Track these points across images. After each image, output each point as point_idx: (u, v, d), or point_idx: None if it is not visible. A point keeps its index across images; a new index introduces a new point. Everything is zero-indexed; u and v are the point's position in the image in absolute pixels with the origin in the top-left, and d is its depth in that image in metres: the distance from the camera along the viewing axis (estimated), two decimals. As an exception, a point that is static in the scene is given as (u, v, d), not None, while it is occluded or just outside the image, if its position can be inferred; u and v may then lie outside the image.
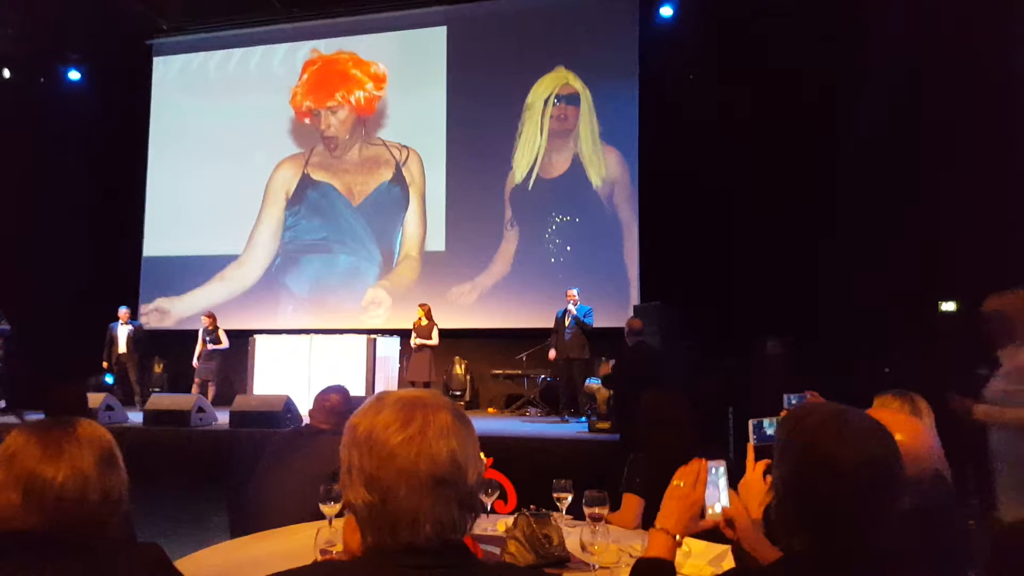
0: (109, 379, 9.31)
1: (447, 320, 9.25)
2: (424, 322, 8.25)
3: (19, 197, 9.90)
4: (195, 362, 8.99)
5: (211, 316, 9.13)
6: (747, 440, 1.66)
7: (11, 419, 7.61)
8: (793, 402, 2.64)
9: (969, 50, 6.79)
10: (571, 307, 7.85)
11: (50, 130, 10.37)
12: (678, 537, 1.40)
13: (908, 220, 7.29)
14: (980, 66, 6.79)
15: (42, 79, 10.59)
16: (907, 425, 1.50)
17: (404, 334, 8.74)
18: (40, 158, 10.22)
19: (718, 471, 1.45)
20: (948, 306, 7.80)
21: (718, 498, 1.44)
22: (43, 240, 10.11)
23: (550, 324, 8.26)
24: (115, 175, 10.77)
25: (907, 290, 7.19)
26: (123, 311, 9.24)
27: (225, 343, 9.03)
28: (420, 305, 8.43)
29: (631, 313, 8.25)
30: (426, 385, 7.91)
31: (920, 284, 7.19)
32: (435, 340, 8.19)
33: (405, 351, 8.80)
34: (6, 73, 10.00)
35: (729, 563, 1.60)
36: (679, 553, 1.68)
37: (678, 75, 9.02)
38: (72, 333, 9.09)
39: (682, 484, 1.44)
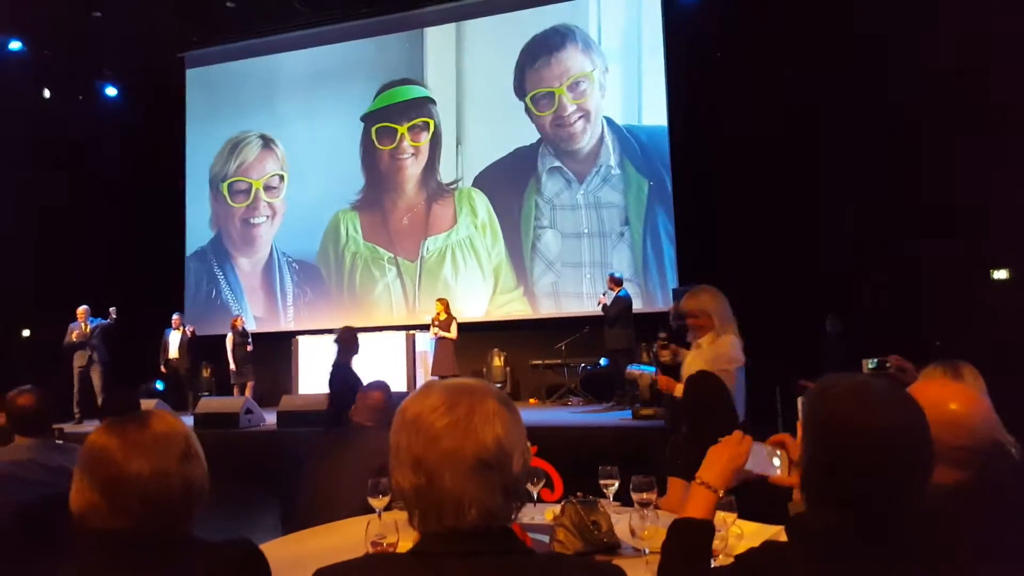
0: (159, 385, 9.58)
1: (483, 313, 9.27)
2: (443, 316, 8.36)
3: (67, 211, 10.24)
4: (232, 366, 9.16)
5: (239, 318, 9.45)
6: (796, 419, 1.62)
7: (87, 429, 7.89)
8: (872, 367, 2.60)
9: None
10: (601, 295, 7.82)
11: (91, 145, 10.68)
12: (720, 492, 1.35)
13: (956, 186, 7.05)
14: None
15: (80, 96, 10.91)
16: (961, 394, 1.44)
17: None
18: (82, 172, 10.54)
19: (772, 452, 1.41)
20: (1000, 274, 7.54)
21: (773, 463, 1.40)
22: (87, 252, 10.41)
23: (587, 312, 8.21)
24: (154, 185, 11.05)
25: (957, 258, 6.97)
26: (176, 317, 9.49)
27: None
28: (439, 300, 8.53)
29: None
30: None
31: (970, 251, 6.97)
32: (453, 333, 8.30)
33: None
34: (47, 93, 10.32)
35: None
36: (731, 536, 1.65)
37: (705, 53, 8.86)
38: (119, 340, 9.37)
39: (726, 438, 1.40)
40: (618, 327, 7.64)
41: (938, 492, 1.37)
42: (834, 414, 1.10)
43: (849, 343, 6.73)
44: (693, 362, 3.20)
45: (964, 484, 1.38)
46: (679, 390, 3.17)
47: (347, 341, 5.35)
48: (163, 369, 9.43)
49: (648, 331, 7.86)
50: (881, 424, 1.07)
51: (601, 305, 7.75)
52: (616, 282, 7.83)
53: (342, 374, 5.31)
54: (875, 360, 2.57)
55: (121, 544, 1.13)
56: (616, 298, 7.71)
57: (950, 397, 1.42)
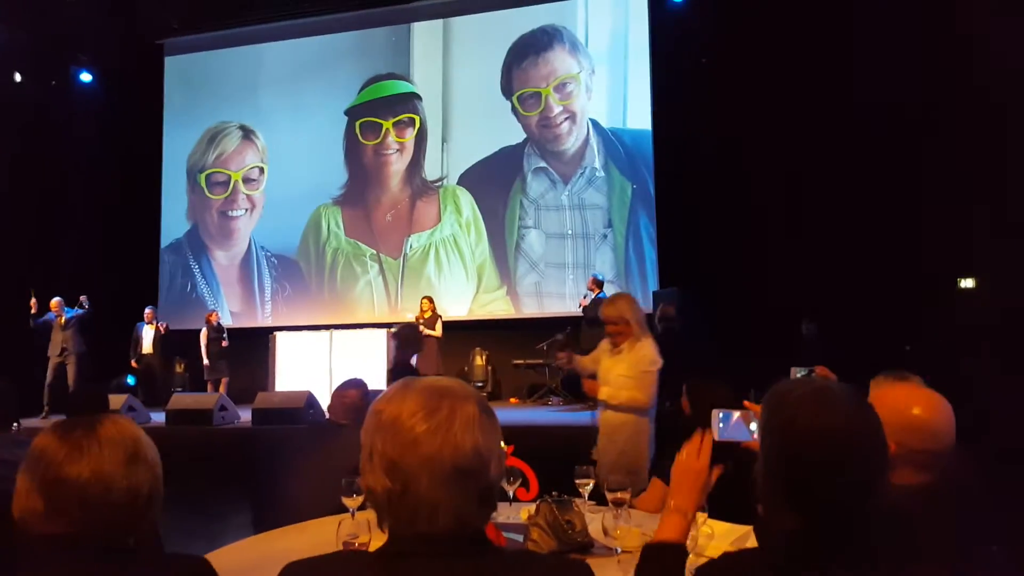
0: (131, 380, 9.42)
1: (466, 312, 9.27)
2: (428, 314, 8.32)
3: (38, 199, 10.04)
4: (206, 361, 9.03)
5: (215, 313, 9.30)
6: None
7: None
8: (801, 375, 2.67)
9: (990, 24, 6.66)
10: (582, 298, 7.85)
11: (64, 132, 10.47)
12: (691, 514, 1.35)
13: (925, 196, 7.19)
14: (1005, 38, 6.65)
15: (54, 82, 10.67)
16: (924, 399, 1.47)
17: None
18: (55, 160, 10.34)
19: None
20: (967, 283, 7.70)
21: (750, 428, 1.40)
22: (59, 242, 10.23)
23: (570, 312, 8.25)
24: (130, 175, 10.86)
25: (925, 266, 7.09)
26: (148, 311, 9.29)
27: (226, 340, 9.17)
28: (425, 298, 8.50)
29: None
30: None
31: (938, 260, 7.09)
32: (439, 332, 8.26)
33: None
34: (18, 77, 10.10)
35: (752, 543, 1.58)
36: (701, 535, 1.67)
37: (691, 58, 8.92)
38: (94, 334, 9.22)
39: (685, 455, 1.40)
40: (599, 328, 7.69)
41: (902, 494, 1.39)
42: (795, 419, 1.11)
43: (824, 346, 6.82)
44: (615, 366, 3.34)
45: (927, 486, 1.41)
46: (603, 393, 3.32)
47: (408, 339, 5.18)
48: (135, 364, 9.23)
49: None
50: (842, 427, 1.08)
51: (581, 307, 7.80)
52: (598, 284, 7.88)
53: (403, 373, 5.11)
54: (804, 369, 2.69)
55: (61, 550, 1.09)
56: (595, 299, 7.76)
57: (913, 402, 1.45)
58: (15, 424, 2.48)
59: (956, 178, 6.99)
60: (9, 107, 9.76)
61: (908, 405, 1.44)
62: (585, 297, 7.88)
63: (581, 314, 7.85)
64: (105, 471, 1.11)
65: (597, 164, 9.48)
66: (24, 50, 9.97)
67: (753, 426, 1.40)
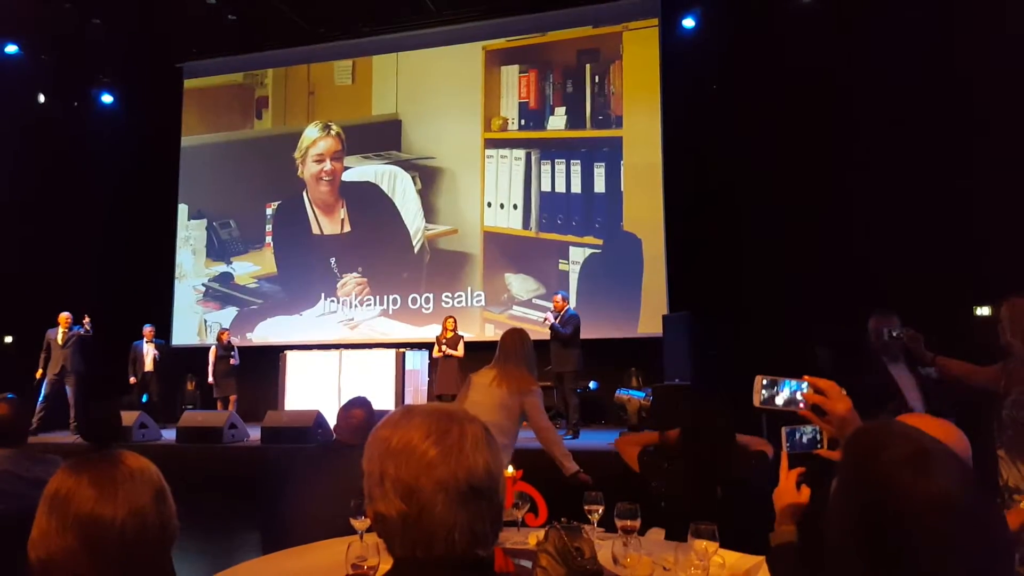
0: (144, 398, 9.43)
1: (479, 333, 9.28)
2: (450, 334, 8.29)
3: (59, 216, 10.19)
4: (211, 379, 9.05)
5: (226, 331, 9.34)
6: (780, 448, 1.62)
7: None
8: (895, 334, 3.35)
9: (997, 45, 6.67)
10: (548, 316, 7.69)
11: (85, 152, 10.66)
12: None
13: (940, 221, 7.14)
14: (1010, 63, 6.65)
15: (76, 103, 10.90)
16: (937, 428, 1.45)
17: (430, 347, 8.77)
18: (76, 178, 10.50)
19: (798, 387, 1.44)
20: (984, 311, 7.61)
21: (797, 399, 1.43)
22: (78, 258, 10.34)
23: (583, 335, 8.24)
24: (146, 194, 10.99)
25: (941, 294, 7.03)
26: (147, 329, 9.24)
27: (237, 359, 9.17)
28: (448, 318, 8.48)
29: (660, 323, 8.16)
30: (453, 398, 7.90)
31: (955, 287, 7.03)
32: (460, 352, 8.21)
33: (432, 364, 8.84)
34: (41, 98, 10.33)
35: (764, 574, 1.57)
36: (713, 565, 1.65)
37: (701, 85, 8.97)
38: (110, 351, 9.27)
39: (786, 488, 1.53)
40: (571, 347, 7.47)
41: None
42: (891, 479, 0.95)
43: (840, 372, 6.74)
44: None
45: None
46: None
47: None
48: (133, 381, 9.07)
49: (638, 359, 7.84)
50: (944, 497, 0.93)
51: (552, 325, 7.52)
52: (565, 300, 7.78)
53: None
54: (898, 328, 3.37)
55: None
56: (569, 316, 7.55)
57: (926, 430, 1.42)
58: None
59: (974, 205, 6.95)
60: (33, 127, 9.99)
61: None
62: (557, 317, 7.62)
63: (549, 334, 7.56)
64: (140, 508, 1.09)
65: (609, 190, 9.51)
66: (48, 72, 10.22)
67: (800, 396, 1.42)
